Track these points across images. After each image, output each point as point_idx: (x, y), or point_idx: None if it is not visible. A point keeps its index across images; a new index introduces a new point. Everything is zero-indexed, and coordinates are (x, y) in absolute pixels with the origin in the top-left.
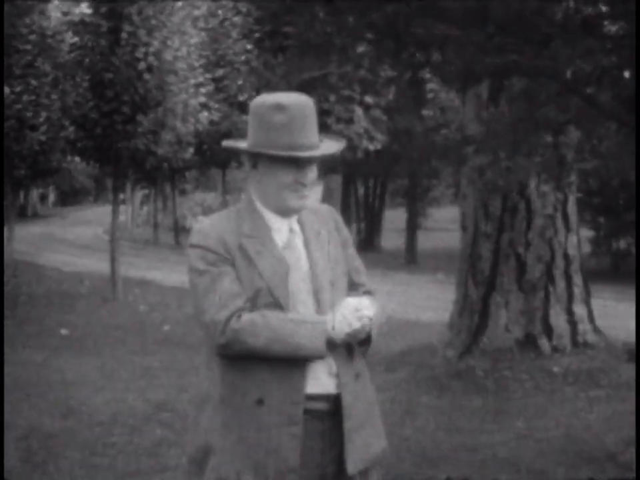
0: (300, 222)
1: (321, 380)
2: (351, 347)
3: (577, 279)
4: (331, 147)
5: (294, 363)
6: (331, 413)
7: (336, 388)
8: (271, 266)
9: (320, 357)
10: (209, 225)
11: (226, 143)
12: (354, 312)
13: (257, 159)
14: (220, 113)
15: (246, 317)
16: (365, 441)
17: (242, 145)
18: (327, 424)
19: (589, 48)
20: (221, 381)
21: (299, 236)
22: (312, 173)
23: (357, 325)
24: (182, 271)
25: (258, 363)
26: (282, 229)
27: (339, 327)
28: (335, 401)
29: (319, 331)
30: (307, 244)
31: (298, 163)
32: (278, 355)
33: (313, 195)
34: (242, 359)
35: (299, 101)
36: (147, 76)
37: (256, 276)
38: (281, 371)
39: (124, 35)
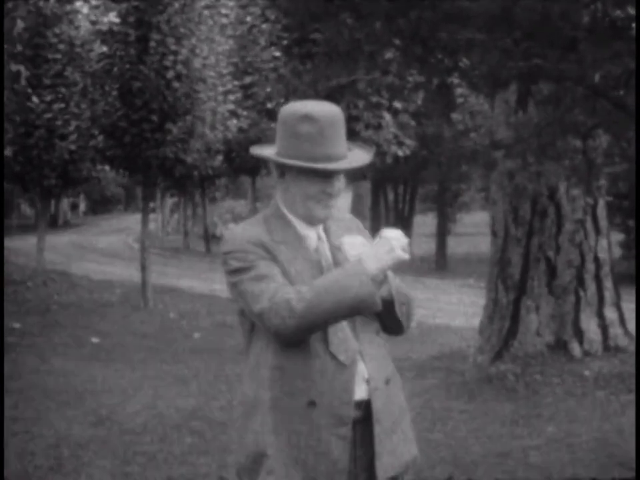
0: (325, 230)
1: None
2: (380, 338)
3: (608, 283)
4: (358, 158)
5: (344, 364)
6: (362, 419)
7: (367, 394)
8: (307, 270)
9: (371, 296)
10: (240, 230)
11: (254, 150)
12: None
13: (284, 168)
14: (248, 120)
15: (289, 288)
16: (395, 447)
17: (270, 151)
18: (357, 431)
19: (617, 51)
20: (270, 384)
21: (325, 244)
22: (339, 182)
23: (400, 252)
24: (212, 279)
25: (307, 365)
26: (310, 236)
27: (383, 254)
28: (365, 407)
29: (362, 268)
30: (333, 251)
31: (325, 174)
32: (328, 309)
33: (343, 201)
34: (290, 360)
35: (328, 111)
36: (175, 84)
37: (298, 278)
38: (331, 371)
39: (152, 44)
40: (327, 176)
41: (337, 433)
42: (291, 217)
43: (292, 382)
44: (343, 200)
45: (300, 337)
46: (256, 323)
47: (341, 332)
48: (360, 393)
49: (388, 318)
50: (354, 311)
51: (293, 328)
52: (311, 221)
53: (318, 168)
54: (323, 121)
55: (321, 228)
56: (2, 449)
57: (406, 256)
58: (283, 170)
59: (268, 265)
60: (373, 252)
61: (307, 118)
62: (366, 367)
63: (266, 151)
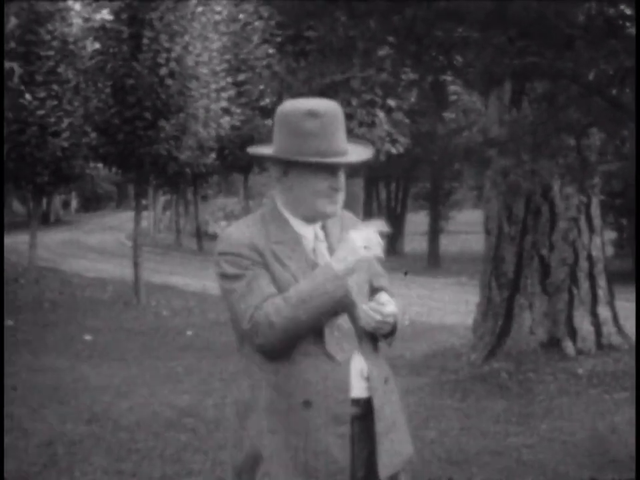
0: (323, 228)
1: (352, 383)
2: (376, 340)
3: (601, 281)
4: (361, 152)
5: (338, 362)
6: (360, 417)
7: (366, 392)
8: (303, 270)
9: (346, 296)
10: (236, 231)
11: (253, 151)
12: (378, 306)
13: (288, 166)
14: (242, 118)
15: (267, 303)
16: (394, 445)
17: (267, 151)
18: (356, 428)
19: (612, 49)
20: (265, 386)
21: (323, 243)
22: (343, 177)
23: (378, 317)
24: (204, 276)
25: (301, 364)
26: (308, 236)
27: (365, 319)
28: (364, 405)
29: (332, 272)
30: (330, 251)
31: (331, 169)
32: (307, 318)
33: (341, 201)
34: (284, 361)
35: (331, 107)
36: (168, 81)
37: (291, 280)
38: (325, 370)
39: (145, 41)
40: (334, 171)
41: (335, 432)
42: (288, 216)
43: (286, 382)
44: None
45: (284, 348)
46: None
47: (337, 330)
48: (360, 390)
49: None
50: (331, 313)
51: (276, 343)
52: (316, 218)
53: (333, 162)
54: (327, 116)
55: (318, 227)
56: (2, 450)
57: (370, 254)
58: (287, 168)
59: (258, 274)
60: (339, 253)
61: (312, 114)
62: (367, 365)
63: (266, 151)
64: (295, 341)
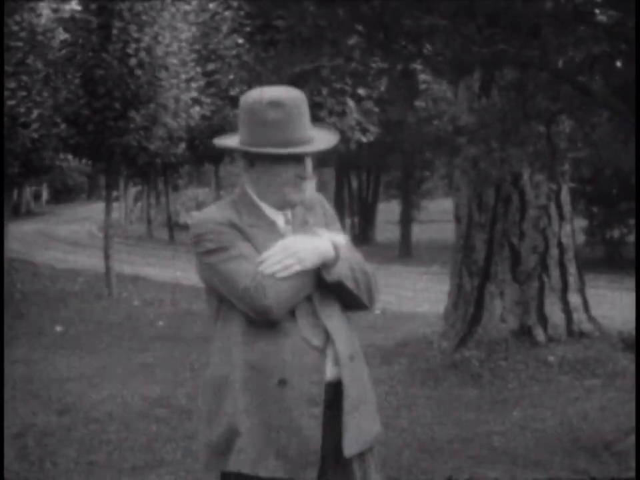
0: (292, 213)
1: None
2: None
3: (572, 269)
4: (326, 138)
5: (317, 347)
6: (329, 401)
7: (335, 374)
8: None
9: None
10: (210, 213)
11: (219, 143)
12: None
13: (254, 157)
14: (212, 108)
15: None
16: (360, 424)
17: (234, 140)
18: (326, 413)
19: (580, 36)
20: (242, 363)
21: (291, 226)
22: (309, 165)
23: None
24: (176, 267)
25: (279, 344)
26: (278, 221)
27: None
28: (332, 390)
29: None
30: (296, 234)
31: (297, 158)
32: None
33: (310, 187)
34: (262, 339)
35: (293, 96)
36: (138, 72)
37: None
38: (302, 351)
39: (115, 31)
40: (300, 160)
41: (308, 413)
42: (260, 203)
43: (263, 361)
44: (310, 186)
45: (287, 309)
46: (227, 302)
47: (311, 317)
48: (330, 373)
49: (347, 296)
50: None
51: (284, 302)
52: (285, 206)
53: (296, 152)
54: (290, 105)
55: (288, 211)
56: (2, 448)
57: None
58: (253, 159)
59: (244, 245)
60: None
61: (274, 104)
62: (333, 347)
63: (231, 142)
64: (295, 303)
